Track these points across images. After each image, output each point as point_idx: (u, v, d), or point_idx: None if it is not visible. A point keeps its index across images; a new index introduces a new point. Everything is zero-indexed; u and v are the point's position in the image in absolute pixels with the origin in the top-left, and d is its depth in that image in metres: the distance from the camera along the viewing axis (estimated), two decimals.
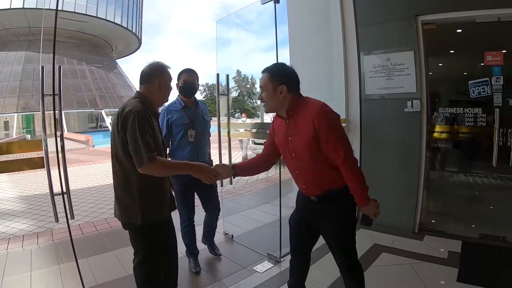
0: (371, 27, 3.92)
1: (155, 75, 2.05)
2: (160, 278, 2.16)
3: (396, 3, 3.76)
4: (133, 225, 1.99)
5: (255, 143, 8.78)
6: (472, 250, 3.37)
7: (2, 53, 32.44)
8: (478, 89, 3.63)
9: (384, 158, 3.88)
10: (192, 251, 3.17)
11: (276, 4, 3.14)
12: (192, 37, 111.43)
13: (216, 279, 2.96)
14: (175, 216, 2.37)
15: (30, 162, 1.82)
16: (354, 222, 2.00)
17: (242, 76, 56.85)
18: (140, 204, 1.94)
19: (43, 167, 1.89)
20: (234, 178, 2.57)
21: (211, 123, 3.32)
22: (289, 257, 3.18)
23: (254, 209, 4.78)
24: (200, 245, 3.30)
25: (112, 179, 2.02)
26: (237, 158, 8.58)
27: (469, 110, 3.73)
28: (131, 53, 46.53)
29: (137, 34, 40.92)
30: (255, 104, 50.55)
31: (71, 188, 2.33)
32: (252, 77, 57.39)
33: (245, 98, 55.96)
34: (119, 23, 37.08)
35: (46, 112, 2.09)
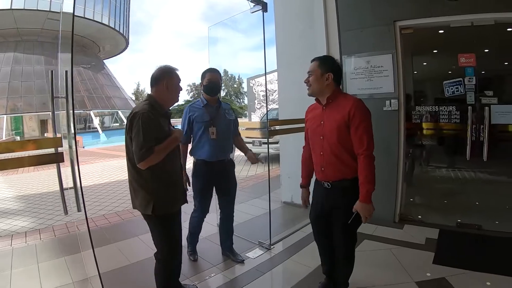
0: (352, 32, 4.18)
1: (162, 77, 2.19)
2: (179, 267, 2.41)
3: (376, 10, 4.01)
4: (148, 216, 2.19)
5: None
6: (449, 237, 3.61)
7: None
8: (452, 89, 3.92)
9: None
10: (194, 239, 3.29)
11: (264, 12, 3.35)
12: (179, 36, 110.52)
13: (212, 264, 3.17)
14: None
15: (50, 157, 2.03)
16: (359, 215, 2.16)
17: (230, 75, 56.74)
18: (152, 196, 2.13)
19: (63, 161, 2.10)
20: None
21: None
22: (278, 244, 3.50)
23: (245, 204, 4.99)
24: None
25: (126, 175, 2.24)
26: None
27: (444, 108, 4.03)
28: (119, 53, 46.11)
29: (124, 34, 40.60)
30: (243, 104, 50.48)
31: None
32: (239, 76, 57.33)
33: (232, 98, 55.82)
34: (107, 24, 36.76)
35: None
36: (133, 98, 52.69)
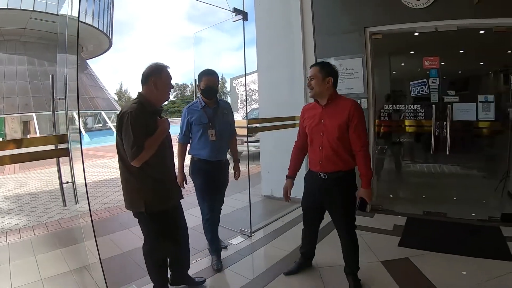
0: (327, 36, 4.52)
1: (151, 75, 2.19)
2: (166, 261, 2.47)
3: (348, 16, 4.36)
4: (139, 213, 2.25)
5: None
6: (415, 224, 3.93)
7: None
8: (417, 89, 4.30)
9: None
10: (216, 247, 3.17)
11: (245, 21, 3.62)
12: (163, 36, 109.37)
13: (197, 250, 3.41)
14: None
15: (57, 152, 2.28)
16: (354, 202, 2.51)
17: None
18: (143, 194, 2.17)
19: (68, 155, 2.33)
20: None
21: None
22: (258, 232, 3.83)
23: (228, 198, 5.18)
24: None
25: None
26: None
27: (410, 107, 4.41)
28: (102, 53, 45.44)
29: (108, 34, 40.10)
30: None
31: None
32: (222, 76, 56.84)
33: None
34: (90, 23, 36.24)
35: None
36: (116, 98, 51.91)
